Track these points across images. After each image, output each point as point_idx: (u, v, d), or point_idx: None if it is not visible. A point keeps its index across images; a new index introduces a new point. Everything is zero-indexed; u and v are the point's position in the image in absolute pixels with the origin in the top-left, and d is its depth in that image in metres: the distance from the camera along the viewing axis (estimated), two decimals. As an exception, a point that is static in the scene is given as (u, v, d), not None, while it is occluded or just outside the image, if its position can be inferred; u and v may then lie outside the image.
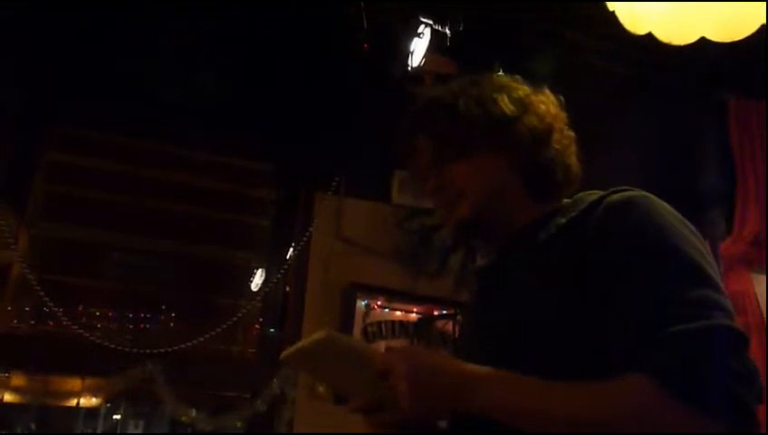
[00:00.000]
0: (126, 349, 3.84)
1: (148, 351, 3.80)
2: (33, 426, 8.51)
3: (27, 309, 5.11)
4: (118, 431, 10.78)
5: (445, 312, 3.88)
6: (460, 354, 1.21)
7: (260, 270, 6.22)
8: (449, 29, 3.37)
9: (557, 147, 1.07)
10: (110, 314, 5.79)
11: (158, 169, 6.71)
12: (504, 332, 1.00)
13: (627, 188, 0.98)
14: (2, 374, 4.98)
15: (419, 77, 3.58)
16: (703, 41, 2.13)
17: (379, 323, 3.93)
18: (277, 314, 4.50)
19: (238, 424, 3.91)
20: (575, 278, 0.92)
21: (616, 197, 0.96)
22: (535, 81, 1.14)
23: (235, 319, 4.17)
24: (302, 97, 4.19)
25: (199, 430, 3.96)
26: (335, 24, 3.83)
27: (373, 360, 0.94)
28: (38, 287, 3.87)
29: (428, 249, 3.79)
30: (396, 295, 3.97)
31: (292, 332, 3.97)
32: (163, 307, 6.32)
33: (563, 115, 1.10)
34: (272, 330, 4.57)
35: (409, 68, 3.61)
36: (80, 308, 5.51)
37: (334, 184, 4.03)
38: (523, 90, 1.09)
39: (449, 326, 3.81)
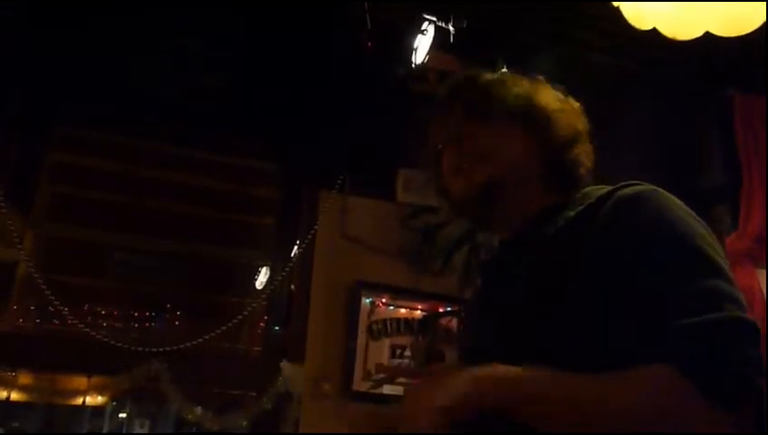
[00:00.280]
0: (131, 347, 3.85)
1: (153, 349, 3.81)
2: (40, 424, 8.55)
3: (32, 308, 5.13)
4: (124, 430, 10.81)
5: (449, 309, 3.88)
6: (464, 347, 1.21)
7: (265, 268, 6.22)
8: (453, 26, 3.37)
9: (581, 148, 1.11)
10: (116, 312, 5.81)
11: (162, 170, 6.72)
12: (514, 326, 1.00)
13: (636, 182, 0.99)
14: (8, 373, 4.99)
15: (423, 75, 3.57)
16: (708, 36, 2.13)
17: (384, 320, 3.94)
18: (282, 312, 4.50)
19: (244, 422, 3.91)
20: (585, 272, 0.92)
21: (626, 191, 0.97)
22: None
23: (240, 317, 4.17)
24: (305, 95, 4.20)
25: (205, 428, 3.96)
26: (339, 22, 3.83)
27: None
28: (44, 286, 3.88)
29: (433, 247, 3.79)
30: (401, 293, 3.97)
31: (297, 330, 3.97)
32: (168, 306, 6.33)
33: (585, 120, 1.14)
34: (277, 328, 4.57)
35: (413, 66, 3.61)
36: (85, 307, 5.53)
37: (338, 182, 4.03)
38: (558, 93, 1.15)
39: (454, 323, 3.81)
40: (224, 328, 4.01)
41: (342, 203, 4.04)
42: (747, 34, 2.09)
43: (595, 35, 3.39)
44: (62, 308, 3.96)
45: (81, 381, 5.38)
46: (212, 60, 4.28)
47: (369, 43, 3.53)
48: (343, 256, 3.99)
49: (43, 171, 5.66)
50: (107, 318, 5.68)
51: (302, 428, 3.72)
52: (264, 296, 4.64)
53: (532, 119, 1.10)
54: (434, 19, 3.49)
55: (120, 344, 3.87)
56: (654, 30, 2.15)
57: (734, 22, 2.07)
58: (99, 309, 5.70)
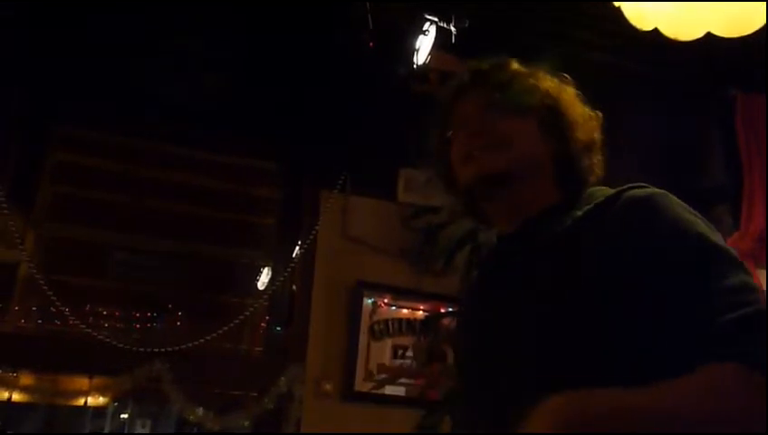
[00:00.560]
0: (133, 348, 3.85)
1: (155, 350, 3.81)
2: (41, 425, 8.56)
3: (34, 308, 5.13)
4: (125, 431, 10.81)
5: (451, 309, 3.88)
6: (464, 347, 1.19)
7: (266, 269, 6.22)
8: (454, 26, 3.37)
9: (595, 158, 1.11)
10: (117, 313, 5.81)
11: (163, 170, 6.72)
12: (522, 325, 0.99)
13: (643, 184, 0.99)
14: (10, 373, 5.00)
15: (424, 75, 3.58)
16: (709, 36, 2.13)
17: (386, 320, 3.94)
18: (284, 312, 4.50)
19: (245, 423, 3.91)
20: (599, 272, 0.92)
21: (636, 193, 0.97)
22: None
23: (241, 318, 4.17)
24: (306, 95, 4.19)
25: (206, 428, 3.96)
26: (340, 22, 3.83)
27: None
28: (45, 287, 3.88)
29: (434, 247, 3.78)
30: (402, 293, 3.98)
31: (299, 330, 3.97)
32: (170, 306, 6.33)
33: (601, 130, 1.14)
34: (278, 328, 4.57)
35: (414, 66, 3.61)
36: (86, 307, 5.53)
37: (340, 182, 4.03)
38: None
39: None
40: (225, 328, 4.01)
41: (344, 203, 4.04)
42: (748, 35, 2.09)
43: (596, 35, 3.40)
44: (63, 309, 3.96)
45: (82, 382, 5.38)
46: (212, 59, 4.28)
47: (371, 43, 3.53)
48: (345, 257, 3.99)
49: (44, 172, 5.66)
50: (108, 319, 5.68)
51: (303, 428, 3.72)
52: (265, 297, 4.64)
53: (555, 120, 1.09)
54: (435, 19, 3.49)
55: (121, 345, 3.87)
56: (655, 30, 2.15)
57: (736, 22, 2.07)
58: (100, 309, 5.70)
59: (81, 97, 4.28)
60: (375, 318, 3.92)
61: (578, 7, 3.40)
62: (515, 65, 1.14)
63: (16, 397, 5.53)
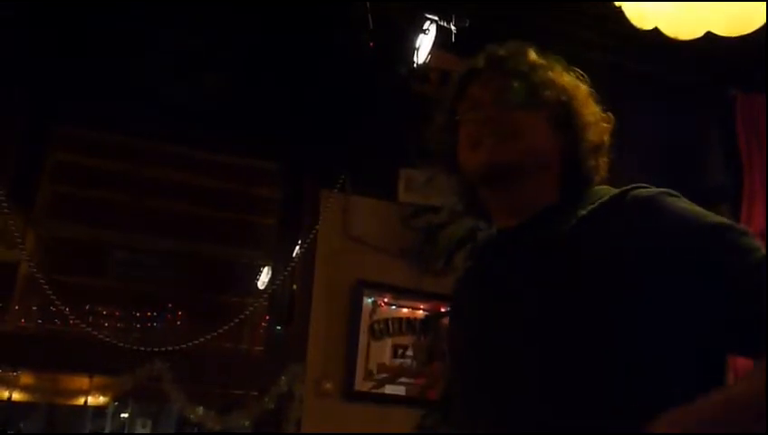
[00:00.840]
0: (133, 347, 3.85)
1: (155, 349, 3.81)
2: (42, 424, 8.56)
3: (34, 308, 5.13)
4: (126, 430, 10.81)
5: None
6: (462, 342, 1.16)
7: (266, 268, 6.22)
8: (454, 25, 3.37)
9: (602, 160, 1.11)
10: (117, 312, 5.80)
11: (163, 169, 6.71)
12: (525, 325, 0.98)
13: (644, 185, 0.99)
14: (10, 373, 4.99)
15: (425, 74, 3.58)
16: (709, 36, 2.13)
17: (386, 320, 3.94)
18: (284, 312, 4.50)
19: (246, 422, 3.91)
20: (602, 272, 0.92)
21: (642, 191, 0.97)
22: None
23: (241, 317, 4.17)
24: (306, 95, 4.19)
25: (207, 428, 3.96)
26: (340, 22, 3.83)
27: None
28: (46, 286, 3.88)
29: (434, 247, 3.79)
30: (403, 293, 3.98)
31: (299, 330, 3.98)
32: (170, 306, 6.32)
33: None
34: (279, 328, 4.57)
35: (415, 65, 3.61)
36: (86, 307, 5.52)
37: (340, 181, 4.03)
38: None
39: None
40: (225, 328, 4.01)
41: (344, 203, 4.04)
42: (749, 34, 2.09)
43: (597, 35, 3.40)
44: (63, 308, 3.96)
45: (83, 381, 5.38)
46: (212, 59, 4.28)
47: (371, 43, 3.53)
48: (345, 256, 3.99)
49: (44, 171, 5.65)
50: (109, 318, 5.67)
51: (303, 427, 3.72)
52: (265, 296, 4.64)
53: (567, 117, 1.08)
54: (435, 18, 3.49)
55: (121, 344, 3.87)
56: (655, 29, 2.15)
57: (736, 22, 2.07)
58: (100, 309, 5.69)
59: (82, 96, 4.28)
60: (375, 317, 3.93)
61: (578, 7, 3.40)
62: (534, 55, 1.11)
63: (16, 396, 5.53)
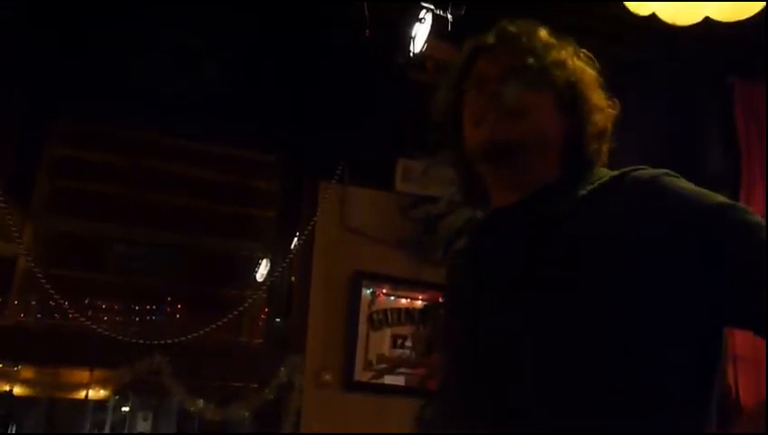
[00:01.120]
0: (133, 340, 3.85)
1: (154, 342, 3.81)
2: (43, 418, 8.57)
3: (33, 303, 5.13)
4: (127, 423, 10.83)
5: (450, 299, 3.88)
6: (454, 323, 1.14)
7: (265, 260, 6.22)
8: (451, 14, 3.35)
9: (604, 146, 1.10)
10: (116, 306, 5.81)
11: (160, 162, 6.70)
12: (523, 307, 0.96)
13: (644, 167, 0.98)
14: (11, 367, 5.00)
15: (421, 63, 3.56)
16: (707, 22, 2.12)
17: (385, 310, 3.94)
18: (283, 303, 4.50)
19: (246, 414, 3.92)
20: (607, 253, 0.90)
21: (644, 173, 0.96)
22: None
23: (240, 309, 4.17)
24: (303, 86, 4.18)
25: (207, 420, 3.96)
26: (337, 12, 3.81)
27: None
28: (44, 281, 3.88)
29: (433, 237, 3.78)
30: (401, 283, 3.98)
31: (298, 321, 3.98)
32: (169, 299, 6.33)
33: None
34: (278, 320, 4.57)
35: (411, 54, 3.59)
36: (85, 301, 5.53)
37: (338, 173, 4.02)
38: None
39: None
40: (224, 320, 4.01)
41: (342, 193, 4.03)
42: (747, 20, 2.08)
43: (593, 21, 3.38)
44: (62, 302, 3.96)
45: (83, 375, 5.39)
46: (210, 52, 4.27)
47: (367, 32, 3.51)
48: (343, 247, 3.99)
49: (42, 165, 5.64)
50: (108, 312, 5.68)
51: (303, 418, 3.73)
52: (264, 288, 4.64)
53: (574, 100, 1.07)
54: (431, 7, 3.47)
55: (121, 338, 3.87)
56: (653, 16, 2.14)
57: (734, 7, 2.06)
58: (99, 303, 5.70)
59: (80, 91, 4.27)
60: (374, 308, 3.93)
61: (575, -7, 3.38)
62: (545, 34, 1.10)
63: (17, 390, 5.54)
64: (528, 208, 1.03)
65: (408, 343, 3.92)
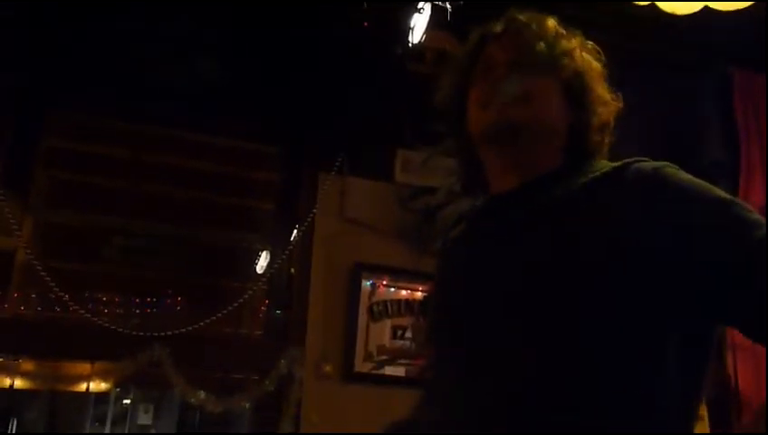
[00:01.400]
0: (133, 333, 3.86)
1: (155, 334, 3.82)
2: (45, 411, 8.60)
3: (33, 295, 5.13)
4: (128, 415, 10.86)
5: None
6: (441, 300, 1.14)
7: (265, 252, 6.21)
8: (450, 4, 3.34)
9: (606, 139, 1.11)
10: (117, 298, 5.81)
11: (160, 154, 6.68)
12: (517, 294, 0.95)
13: (645, 159, 0.98)
14: (12, 360, 5.01)
15: (420, 54, 3.55)
16: (706, 11, 2.11)
17: (385, 302, 3.94)
18: (283, 295, 4.51)
19: (246, 405, 3.93)
20: (605, 243, 0.90)
21: (645, 165, 0.96)
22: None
23: (240, 301, 4.18)
24: (302, 78, 4.17)
25: (208, 411, 3.98)
26: (335, 2, 3.80)
27: None
28: (44, 273, 3.88)
29: (432, 228, 3.78)
30: (401, 274, 3.98)
31: (298, 313, 3.98)
32: (169, 291, 6.33)
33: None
34: (278, 311, 4.58)
35: (410, 45, 3.58)
36: (86, 293, 5.53)
37: (337, 164, 4.02)
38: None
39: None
40: (225, 312, 4.02)
41: (341, 185, 4.03)
42: (745, 9, 2.07)
43: (591, 11, 3.37)
44: (62, 295, 3.97)
45: (84, 368, 5.41)
46: (208, 43, 4.26)
47: (366, 24, 3.50)
48: (343, 239, 3.99)
49: (40, 157, 5.63)
50: (108, 304, 5.68)
51: (304, 410, 3.74)
52: (264, 280, 4.64)
53: (581, 91, 1.08)
54: (430, -3, 3.46)
55: (121, 330, 3.88)
56: (652, 5, 2.13)
57: (733, -5, 2.05)
58: (100, 295, 5.70)
59: (78, 82, 4.26)
60: (374, 299, 3.93)
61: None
62: (553, 23, 1.11)
63: (18, 383, 5.56)
64: (528, 194, 1.03)
65: (409, 334, 3.93)
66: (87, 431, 10.04)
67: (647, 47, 3.89)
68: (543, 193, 1.01)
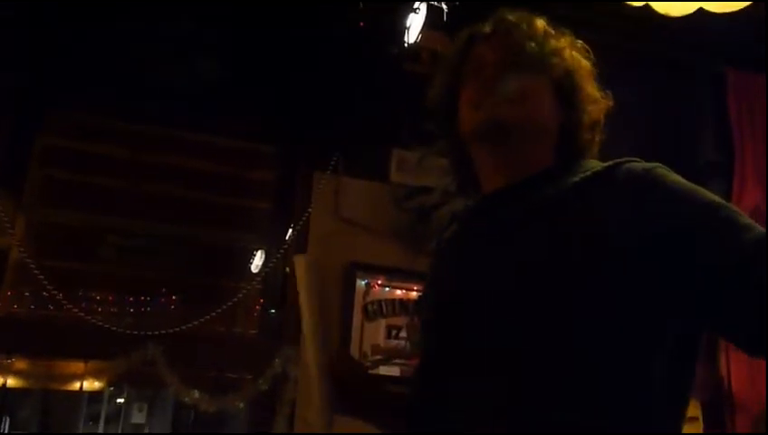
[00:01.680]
0: (127, 332, 3.85)
1: (149, 333, 3.82)
2: (38, 410, 8.57)
3: (27, 294, 5.12)
4: (122, 414, 10.84)
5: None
6: (434, 298, 1.14)
7: (260, 252, 6.21)
8: (445, 4, 3.34)
9: (596, 138, 1.10)
10: (111, 297, 5.80)
11: (155, 153, 6.67)
12: (509, 293, 0.95)
13: (636, 159, 0.98)
14: (5, 358, 5.00)
15: (416, 54, 3.55)
16: (701, 12, 2.12)
17: (380, 301, 3.94)
18: (277, 294, 4.51)
19: (240, 404, 3.93)
20: (594, 243, 0.90)
21: (636, 165, 0.96)
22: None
23: (234, 300, 4.17)
24: (298, 77, 4.17)
25: (202, 410, 3.98)
26: (332, 3, 3.80)
27: None
28: (37, 272, 3.87)
29: (427, 227, 3.78)
30: (396, 274, 3.98)
31: (293, 312, 3.98)
32: (163, 290, 6.32)
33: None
34: (272, 311, 4.58)
35: (406, 45, 3.58)
36: (79, 292, 5.52)
37: (332, 164, 4.01)
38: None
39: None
40: (219, 311, 4.01)
41: (336, 184, 4.03)
42: (740, 11, 2.08)
43: (585, 11, 3.37)
44: (56, 293, 3.95)
45: (77, 366, 5.39)
46: (206, 42, 4.25)
47: (362, 23, 3.50)
48: (338, 238, 3.98)
49: (34, 155, 5.62)
50: (102, 303, 5.67)
51: (298, 409, 3.73)
52: (258, 279, 4.64)
53: (572, 90, 1.08)
54: (426, -3, 3.46)
55: (115, 329, 3.87)
56: (647, 6, 2.14)
57: (727, -3, 2.06)
58: (93, 294, 5.69)
59: (78, 82, 4.25)
60: (368, 299, 3.93)
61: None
62: (542, 23, 1.11)
63: (12, 382, 5.54)
64: (519, 193, 1.03)
65: (403, 334, 3.93)
66: (80, 430, 10.02)
67: (641, 48, 3.90)
68: (535, 192, 1.01)
